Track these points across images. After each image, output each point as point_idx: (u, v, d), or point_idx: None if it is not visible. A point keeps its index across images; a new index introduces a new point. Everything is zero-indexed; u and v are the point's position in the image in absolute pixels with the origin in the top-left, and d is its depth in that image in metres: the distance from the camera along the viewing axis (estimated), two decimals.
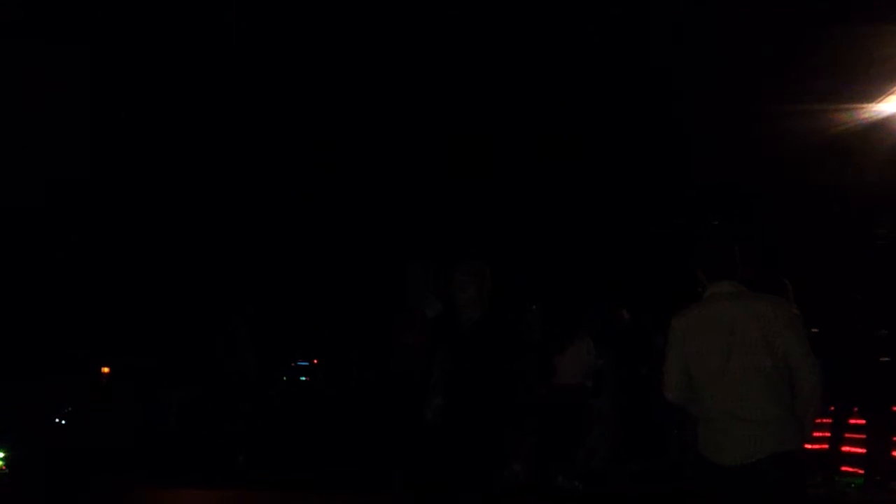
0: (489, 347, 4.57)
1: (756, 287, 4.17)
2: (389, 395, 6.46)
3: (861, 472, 7.89)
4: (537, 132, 11.29)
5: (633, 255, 10.80)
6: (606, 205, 10.98)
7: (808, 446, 5.80)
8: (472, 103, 11.15)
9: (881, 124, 9.68)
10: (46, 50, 10.08)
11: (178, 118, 11.58)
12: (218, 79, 11.21)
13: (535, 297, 9.54)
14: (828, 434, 7.83)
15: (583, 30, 10.56)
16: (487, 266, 4.75)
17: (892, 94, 9.30)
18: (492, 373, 4.55)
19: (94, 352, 12.28)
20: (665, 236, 10.24)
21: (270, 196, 11.89)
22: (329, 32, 10.86)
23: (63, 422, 11.88)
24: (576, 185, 11.02)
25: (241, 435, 9.68)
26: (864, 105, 9.47)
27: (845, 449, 8.00)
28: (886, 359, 7.63)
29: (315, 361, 11.93)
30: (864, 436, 7.88)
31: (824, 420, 7.58)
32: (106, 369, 12.73)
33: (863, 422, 7.89)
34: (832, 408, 7.61)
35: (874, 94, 9.36)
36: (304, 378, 11.89)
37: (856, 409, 7.84)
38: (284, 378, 11.79)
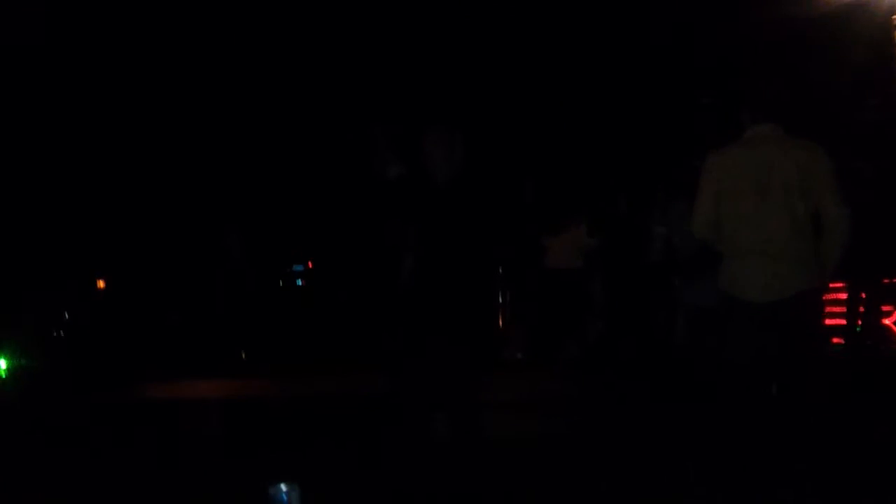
0: (459, 207, 4.48)
1: None
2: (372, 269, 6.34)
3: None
4: None
5: (630, 138, 10.73)
6: (598, 85, 10.84)
7: None
8: None
9: (866, 3, 9.69)
10: None
11: (165, 38, 11.42)
12: None
13: (529, 172, 9.55)
14: None
15: None
16: (458, 131, 4.64)
17: None
18: (462, 232, 4.45)
19: (91, 265, 12.31)
20: (655, 118, 10.22)
21: (251, 96, 11.66)
22: None
23: (62, 333, 12.01)
24: (570, 60, 10.85)
25: (241, 333, 9.84)
26: None
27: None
28: None
29: (310, 265, 12.04)
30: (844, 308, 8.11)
31: None
32: (101, 283, 12.80)
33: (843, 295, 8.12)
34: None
35: None
36: (300, 282, 12.02)
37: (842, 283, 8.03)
38: (281, 283, 11.93)
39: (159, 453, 6.23)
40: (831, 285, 8.05)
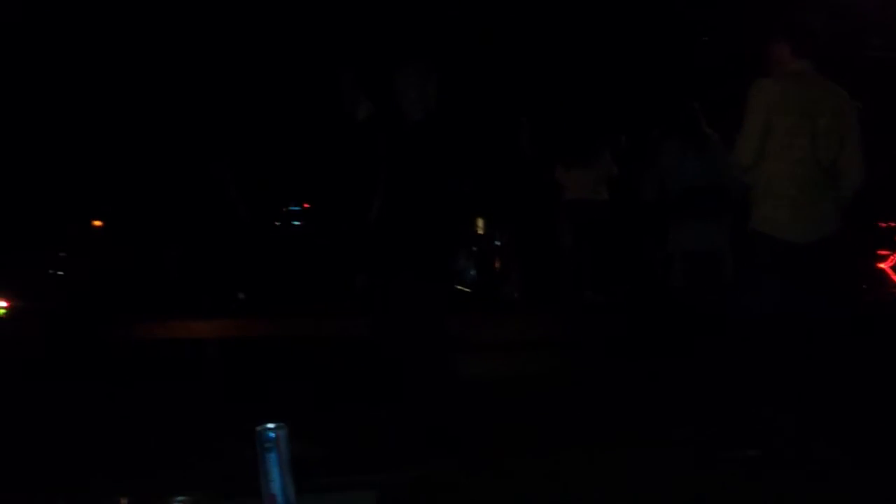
0: (431, 146, 4.45)
1: None
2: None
3: None
4: None
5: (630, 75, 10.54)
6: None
7: None
8: None
9: None
10: None
11: None
12: None
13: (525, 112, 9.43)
14: None
15: None
16: (432, 66, 4.59)
17: None
18: (432, 171, 4.43)
19: (87, 204, 12.29)
20: (652, 55, 10.06)
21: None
22: None
23: (59, 272, 12.04)
24: None
25: (239, 276, 9.88)
26: None
27: None
28: None
29: (306, 206, 12.03)
30: None
31: None
32: (98, 222, 12.79)
33: None
34: None
35: None
36: (296, 223, 12.02)
37: None
38: (277, 223, 11.93)
39: (153, 392, 6.31)
40: None
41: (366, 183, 4.88)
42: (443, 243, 4.49)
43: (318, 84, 5.57)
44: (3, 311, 10.26)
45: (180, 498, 2.21)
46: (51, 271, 11.98)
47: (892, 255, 8.86)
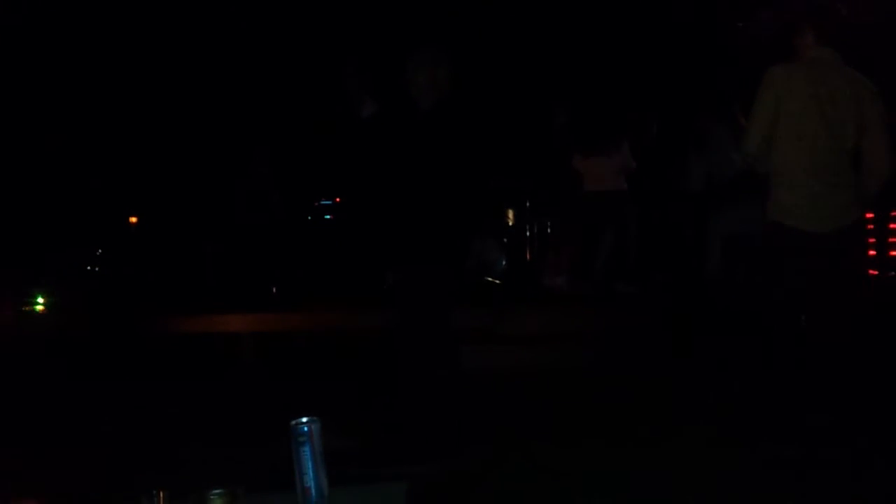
0: (441, 134, 4.33)
1: None
2: None
3: None
4: None
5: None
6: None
7: None
8: None
9: None
10: None
11: None
12: None
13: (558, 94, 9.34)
14: None
15: None
16: (445, 51, 4.48)
17: None
18: (441, 160, 4.31)
19: (123, 200, 12.46)
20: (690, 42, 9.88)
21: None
22: None
23: (96, 268, 12.25)
24: None
25: (272, 267, 9.99)
26: None
27: None
28: None
29: (338, 200, 12.10)
30: None
31: None
32: (134, 218, 12.96)
33: None
34: None
35: None
36: (328, 217, 12.09)
37: None
38: (309, 217, 12.02)
39: (189, 386, 6.42)
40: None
41: (379, 177, 4.83)
42: (452, 232, 4.39)
43: (326, 78, 5.46)
44: (42, 307, 10.46)
45: (217, 491, 2.27)
46: (89, 268, 12.21)
47: None
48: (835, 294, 3.95)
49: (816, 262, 3.94)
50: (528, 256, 10.20)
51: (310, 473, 2.36)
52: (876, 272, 8.11)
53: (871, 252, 8.11)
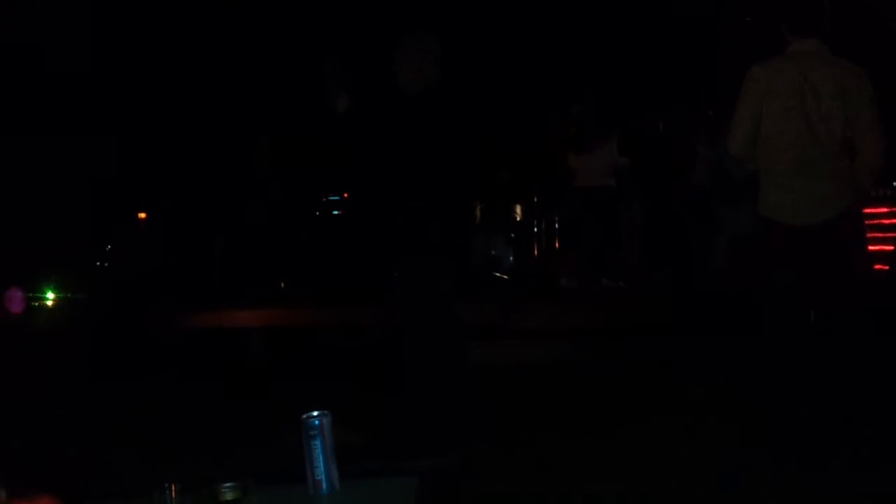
0: (428, 122, 4.25)
1: None
2: None
3: None
4: None
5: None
6: None
7: None
8: None
9: None
10: None
11: None
12: None
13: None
14: None
15: None
16: (432, 36, 4.40)
17: None
18: (426, 149, 4.23)
19: (131, 197, 12.49)
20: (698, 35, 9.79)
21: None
22: None
23: (105, 264, 12.28)
24: None
25: (281, 264, 10.02)
26: None
27: None
28: None
29: (346, 196, 12.11)
30: None
31: None
32: (143, 214, 12.99)
33: None
34: None
35: None
36: (336, 212, 12.11)
37: None
38: (317, 213, 12.04)
39: (199, 381, 6.43)
40: (875, 210, 7.99)
41: (373, 168, 4.77)
42: (449, 223, 4.35)
43: (309, 72, 5.38)
44: (51, 302, 10.50)
45: (228, 484, 2.27)
46: (97, 263, 12.24)
47: None
48: (836, 284, 3.91)
49: (810, 255, 3.90)
50: (535, 252, 10.20)
51: (321, 466, 2.36)
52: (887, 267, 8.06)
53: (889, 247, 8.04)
